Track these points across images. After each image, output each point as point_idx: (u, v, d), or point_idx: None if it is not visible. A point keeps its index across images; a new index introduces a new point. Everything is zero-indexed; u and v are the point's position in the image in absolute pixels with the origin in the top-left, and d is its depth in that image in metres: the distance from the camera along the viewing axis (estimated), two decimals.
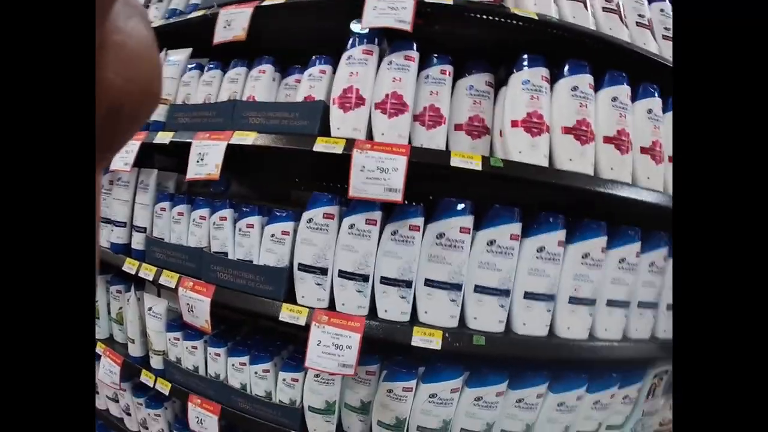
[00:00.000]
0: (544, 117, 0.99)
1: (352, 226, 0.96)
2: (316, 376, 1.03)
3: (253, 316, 1.22)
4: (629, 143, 1.04)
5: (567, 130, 0.99)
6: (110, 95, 0.24)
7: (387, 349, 1.05)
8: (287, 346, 1.18)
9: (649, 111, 1.09)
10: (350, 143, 0.95)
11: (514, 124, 0.99)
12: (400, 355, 1.04)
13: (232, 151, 1.08)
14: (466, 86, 1.05)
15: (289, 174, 1.36)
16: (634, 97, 1.09)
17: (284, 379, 1.07)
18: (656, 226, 1.12)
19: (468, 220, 0.95)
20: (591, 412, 1.08)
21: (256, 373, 1.10)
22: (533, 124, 0.99)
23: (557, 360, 1.05)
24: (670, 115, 1.13)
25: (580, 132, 0.99)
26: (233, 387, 1.13)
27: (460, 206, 0.95)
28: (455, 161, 0.92)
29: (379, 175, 0.91)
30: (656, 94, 1.11)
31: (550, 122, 1.00)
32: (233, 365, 1.13)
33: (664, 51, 1.18)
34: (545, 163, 0.98)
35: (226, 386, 1.14)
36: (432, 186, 1.24)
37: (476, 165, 0.92)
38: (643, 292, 1.07)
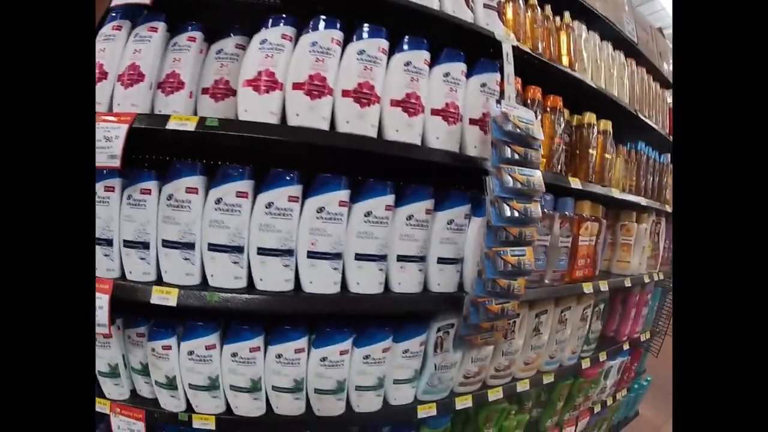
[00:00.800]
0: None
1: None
2: None
3: None
4: (420, 106, 1.07)
5: (347, 93, 1.01)
6: None
7: (178, 313, 1.08)
8: None
9: (446, 75, 1.13)
10: None
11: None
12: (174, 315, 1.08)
13: None
14: (215, 51, 1.07)
15: None
16: (434, 62, 1.12)
17: None
18: (449, 184, 1.13)
19: (197, 180, 0.98)
20: (363, 366, 1.09)
21: None
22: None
23: (315, 314, 1.07)
24: (475, 79, 1.16)
25: (362, 95, 1.01)
26: None
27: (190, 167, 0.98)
28: (172, 124, 0.94)
29: (105, 144, 0.95)
30: (460, 60, 1.14)
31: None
32: None
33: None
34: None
35: None
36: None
37: (191, 126, 0.94)
38: (401, 246, 1.07)
